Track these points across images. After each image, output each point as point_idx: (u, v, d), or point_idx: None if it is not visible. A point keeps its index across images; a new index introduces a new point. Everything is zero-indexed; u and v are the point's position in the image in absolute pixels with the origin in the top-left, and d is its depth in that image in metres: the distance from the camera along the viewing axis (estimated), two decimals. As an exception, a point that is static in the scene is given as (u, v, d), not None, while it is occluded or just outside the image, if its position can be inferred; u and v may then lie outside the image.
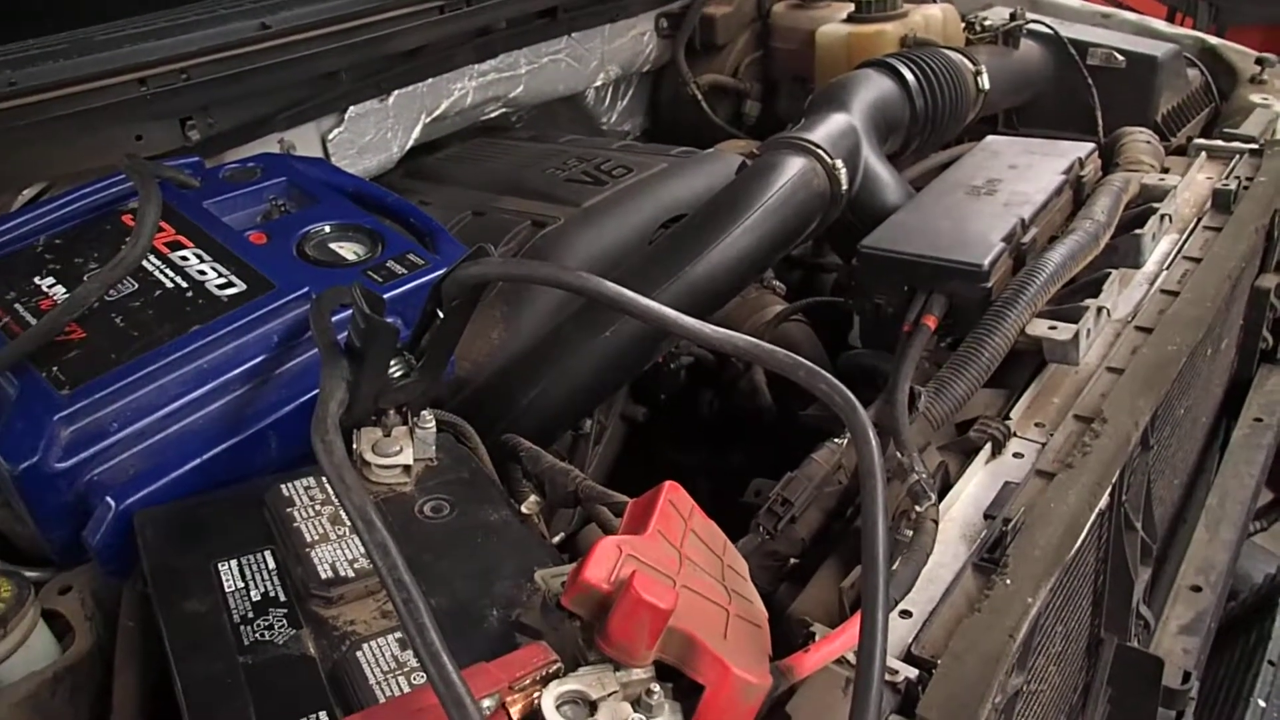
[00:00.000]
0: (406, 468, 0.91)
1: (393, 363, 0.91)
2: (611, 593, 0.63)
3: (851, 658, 0.76)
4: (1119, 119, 1.90)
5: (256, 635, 0.75)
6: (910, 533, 0.91)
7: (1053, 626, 1.01)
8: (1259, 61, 2.14)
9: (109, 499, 0.89)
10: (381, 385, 0.89)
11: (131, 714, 0.80)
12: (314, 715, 0.69)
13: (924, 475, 0.95)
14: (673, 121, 2.39)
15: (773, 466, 1.07)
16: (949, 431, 1.12)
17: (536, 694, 0.63)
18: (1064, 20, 2.17)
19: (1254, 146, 1.72)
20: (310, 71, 1.60)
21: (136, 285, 1.06)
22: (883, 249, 1.29)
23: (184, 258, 1.10)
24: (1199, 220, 1.53)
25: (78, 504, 0.90)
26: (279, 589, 0.80)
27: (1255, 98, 1.99)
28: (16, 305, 1.05)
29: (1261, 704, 1.44)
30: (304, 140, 1.65)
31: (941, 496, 0.98)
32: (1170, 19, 4.18)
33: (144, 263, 1.08)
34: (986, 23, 2.08)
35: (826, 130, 1.50)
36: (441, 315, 0.90)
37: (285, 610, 0.78)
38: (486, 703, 0.61)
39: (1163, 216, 1.44)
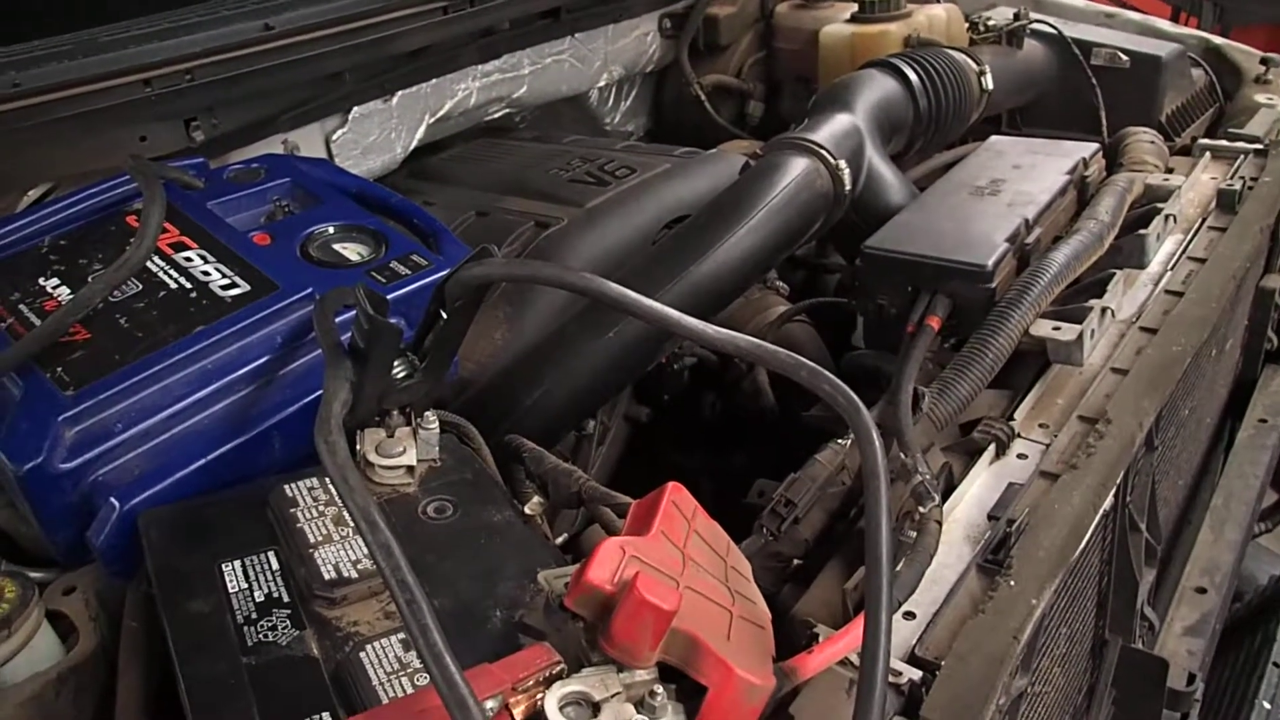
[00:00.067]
0: (410, 468, 0.91)
1: (396, 363, 0.91)
2: (615, 594, 0.63)
3: (855, 659, 0.75)
4: (1123, 119, 1.90)
5: (260, 636, 0.75)
6: (914, 534, 0.91)
7: (1057, 628, 1.01)
8: (1264, 61, 2.13)
9: (113, 500, 0.89)
10: (385, 386, 0.89)
11: (135, 715, 0.80)
12: (317, 716, 0.69)
13: (928, 476, 0.95)
14: (676, 122, 2.39)
15: (776, 467, 1.07)
16: (953, 432, 1.12)
17: (540, 695, 0.63)
18: (1068, 20, 2.17)
19: (1259, 146, 1.72)
20: (314, 72, 1.60)
21: (141, 286, 1.06)
22: (886, 249, 1.29)
23: (188, 259, 1.10)
24: (1203, 220, 1.53)
25: (82, 505, 0.90)
26: (282, 590, 0.80)
27: (1260, 98, 1.99)
28: (21, 306, 1.05)
29: (1267, 706, 1.44)
30: (308, 141, 1.65)
31: (945, 497, 0.98)
32: (1175, 19, 4.17)
33: (148, 264, 1.08)
34: (990, 23, 2.08)
35: (830, 131, 1.50)
36: (445, 316, 0.90)
37: (289, 611, 0.78)
38: (490, 704, 0.61)
39: (1167, 217, 1.44)
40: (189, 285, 1.06)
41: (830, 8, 2.25)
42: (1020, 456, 1.07)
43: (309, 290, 1.03)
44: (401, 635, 0.74)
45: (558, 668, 0.64)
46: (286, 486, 0.89)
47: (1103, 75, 2.03)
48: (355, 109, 1.70)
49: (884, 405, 1.07)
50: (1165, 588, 1.42)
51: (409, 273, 1.10)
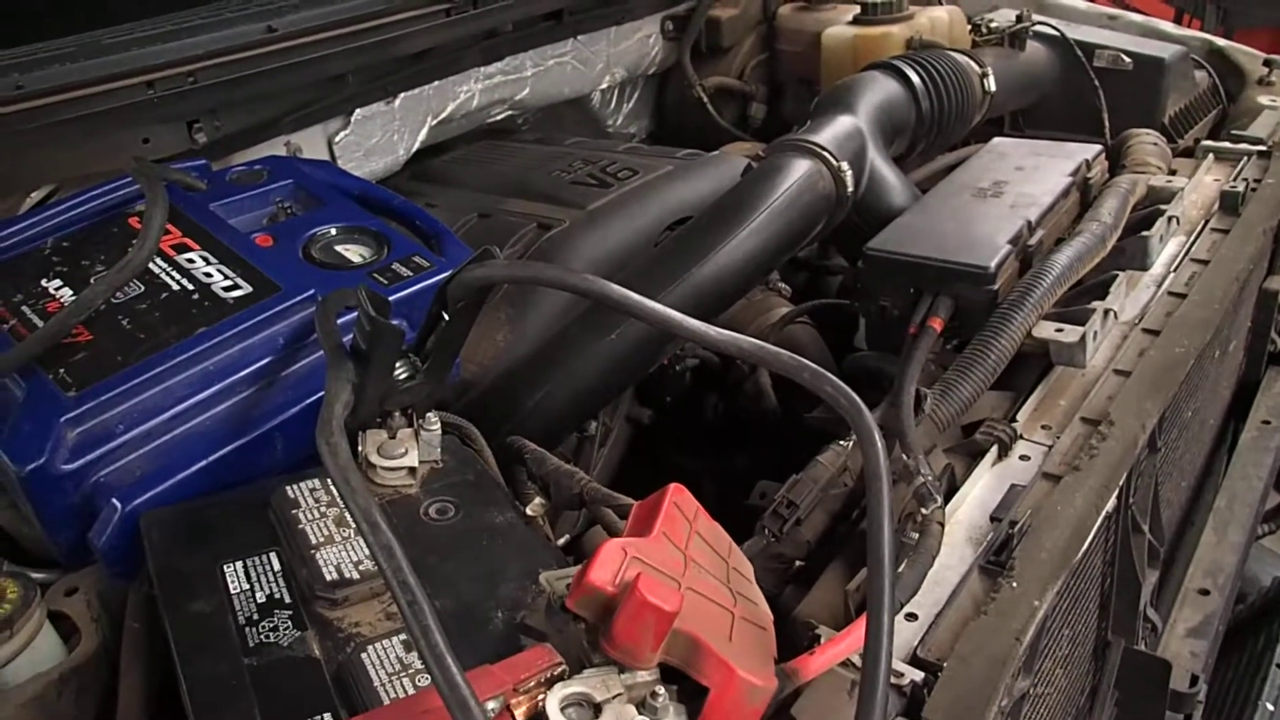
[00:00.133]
0: (411, 470, 0.91)
1: (398, 365, 0.91)
2: (616, 595, 0.63)
3: (857, 660, 0.75)
4: (1126, 121, 1.90)
5: (261, 637, 0.75)
6: (916, 535, 0.90)
7: (1059, 629, 1.01)
8: (1267, 63, 2.13)
9: (115, 501, 0.89)
10: (387, 387, 0.89)
11: (137, 715, 0.80)
12: (319, 717, 0.69)
13: (930, 478, 0.95)
14: (678, 124, 2.39)
15: (778, 469, 1.07)
16: (955, 434, 1.11)
17: (541, 696, 0.63)
18: (1070, 22, 2.17)
19: (1262, 148, 1.72)
20: (317, 74, 1.60)
21: (143, 288, 1.06)
22: (888, 251, 1.29)
23: (190, 260, 1.10)
24: (1206, 222, 1.52)
25: (84, 506, 0.90)
26: (284, 591, 0.80)
27: (1263, 99, 1.99)
28: (24, 308, 1.05)
29: (1270, 707, 1.43)
30: (310, 143, 1.65)
31: (947, 499, 0.98)
32: (1177, 20, 4.16)
33: (150, 265, 1.09)
34: (992, 24, 2.08)
35: (832, 133, 1.50)
36: (447, 317, 0.90)
37: (290, 612, 0.78)
38: (491, 705, 0.61)
39: (1170, 218, 1.43)
40: (191, 287, 1.06)
41: (833, 10, 2.25)
42: (1023, 458, 1.07)
43: (311, 292, 1.03)
44: (403, 636, 0.74)
45: (559, 669, 0.64)
46: (288, 487, 0.90)
47: (1105, 77, 2.03)
48: (358, 111, 1.70)
49: (886, 407, 1.07)
50: (1168, 589, 1.42)
51: (411, 274, 1.10)
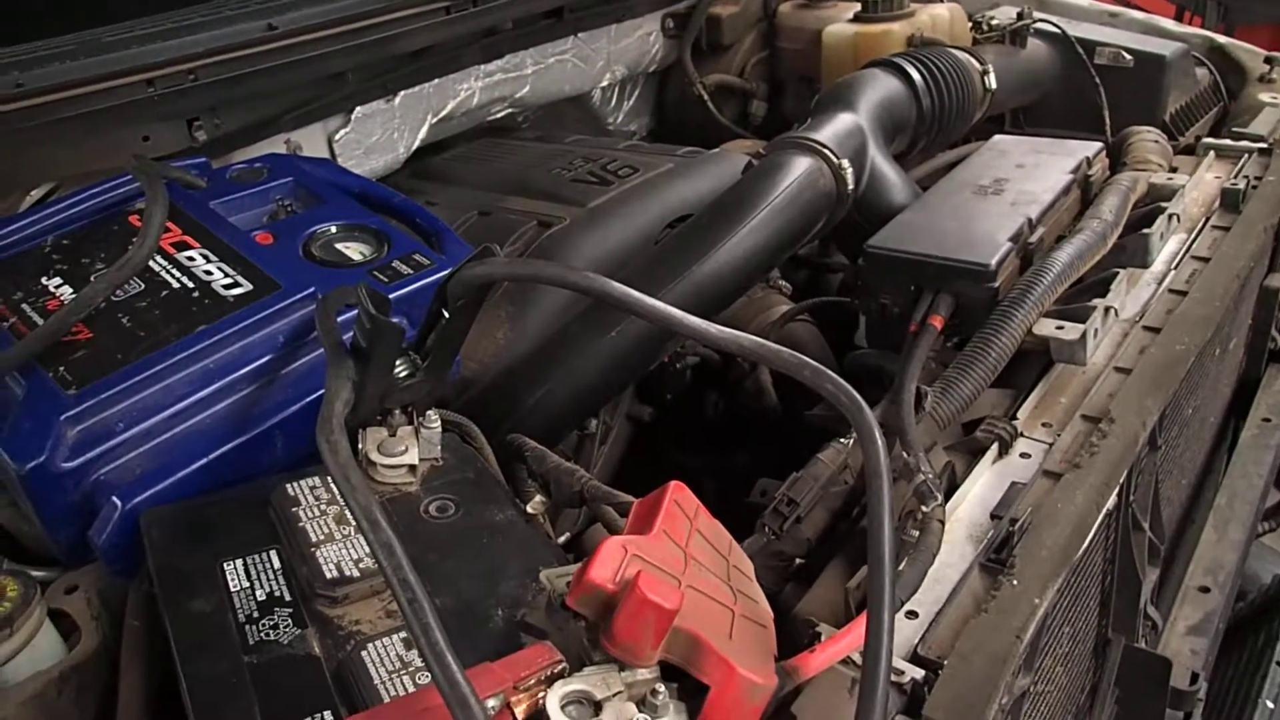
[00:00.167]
0: (412, 467, 0.91)
1: (398, 363, 0.91)
2: (616, 593, 0.63)
3: (857, 658, 0.75)
4: (1127, 118, 1.90)
5: (262, 635, 0.75)
6: (916, 533, 0.90)
7: (1060, 627, 1.01)
8: (1268, 60, 2.13)
9: (115, 498, 0.89)
10: (387, 385, 0.89)
11: (137, 713, 0.80)
12: (319, 715, 0.69)
13: (930, 475, 0.95)
14: (679, 121, 2.39)
15: (778, 466, 1.07)
16: (955, 431, 1.11)
17: (541, 694, 0.63)
18: (1071, 19, 2.16)
19: (1263, 145, 1.72)
20: (317, 72, 1.60)
21: (143, 285, 1.06)
22: (889, 249, 1.29)
23: (190, 258, 1.10)
24: (1207, 219, 1.52)
25: (84, 503, 0.90)
26: (284, 588, 0.80)
27: (1264, 97, 1.98)
28: (24, 305, 1.05)
29: (1270, 705, 1.44)
30: (310, 141, 1.65)
31: (948, 497, 0.98)
32: (1178, 18, 4.16)
33: (151, 263, 1.09)
34: (993, 22, 2.08)
35: (833, 130, 1.50)
36: (447, 315, 0.90)
37: (290, 610, 0.78)
38: (491, 703, 0.61)
39: (1171, 216, 1.43)
40: (191, 284, 1.06)
41: (833, 7, 2.25)
42: (1023, 455, 1.07)
43: (311, 289, 1.03)
44: (403, 634, 0.74)
45: (559, 667, 0.64)
46: (288, 485, 0.89)
47: (1106, 74, 2.03)
48: (358, 109, 1.70)
49: (887, 404, 1.07)
50: (1168, 587, 1.42)
51: (411, 272, 1.10)
